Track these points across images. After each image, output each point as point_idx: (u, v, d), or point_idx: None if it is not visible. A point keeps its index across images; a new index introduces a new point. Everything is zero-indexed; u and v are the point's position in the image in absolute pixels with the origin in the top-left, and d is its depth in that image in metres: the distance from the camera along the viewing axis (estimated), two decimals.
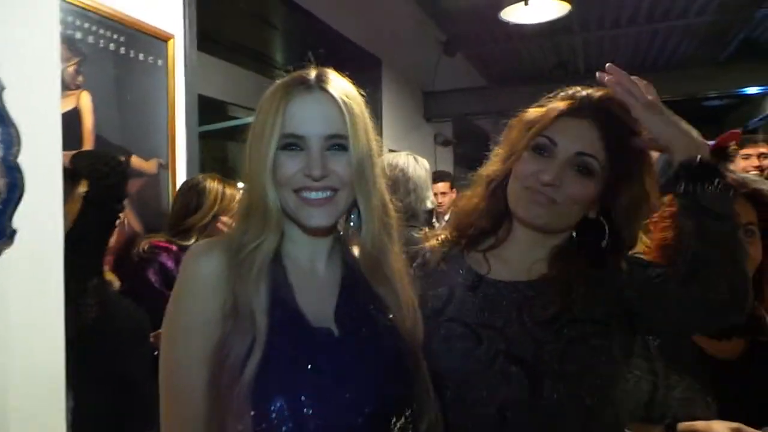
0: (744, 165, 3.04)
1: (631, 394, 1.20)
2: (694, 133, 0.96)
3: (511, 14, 3.71)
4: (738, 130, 1.95)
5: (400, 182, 2.09)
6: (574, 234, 1.04)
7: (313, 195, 0.87)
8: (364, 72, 4.15)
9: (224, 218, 1.90)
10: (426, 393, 0.91)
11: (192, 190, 1.97)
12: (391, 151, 3.59)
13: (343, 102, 0.87)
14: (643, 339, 1.20)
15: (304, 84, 0.88)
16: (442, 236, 1.12)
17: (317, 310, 0.88)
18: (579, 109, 1.00)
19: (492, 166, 1.09)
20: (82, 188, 1.43)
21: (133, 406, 1.58)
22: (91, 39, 1.85)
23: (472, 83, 6.15)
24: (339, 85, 0.89)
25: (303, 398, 0.81)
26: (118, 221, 1.52)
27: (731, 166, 3.08)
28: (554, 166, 0.98)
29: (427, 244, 1.12)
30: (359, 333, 0.88)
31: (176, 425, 0.85)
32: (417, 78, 5.19)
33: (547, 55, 6.12)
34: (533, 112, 1.06)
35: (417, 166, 2.15)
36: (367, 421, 0.83)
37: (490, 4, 3.94)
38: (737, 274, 0.91)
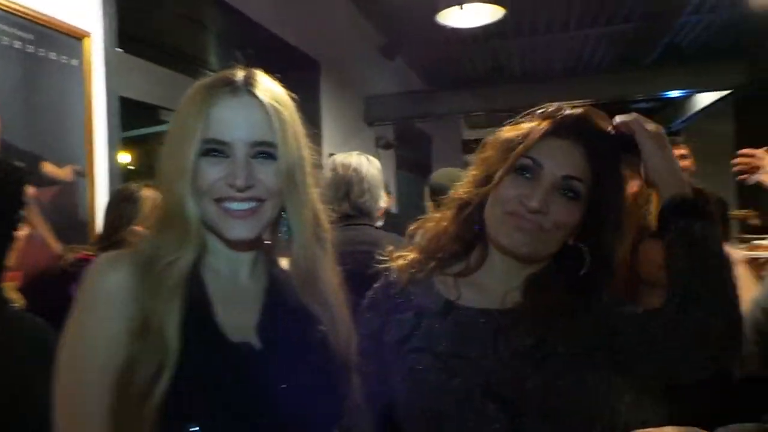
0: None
1: None
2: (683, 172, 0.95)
3: (447, 18, 3.75)
4: None
5: (354, 182, 2.04)
6: (551, 262, 0.98)
7: (236, 206, 0.81)
8: (303, 75, 4.08)
9: (137, 228, 1.78)
10: (357, 416, 0.87)
11: (126, 201, 1.84)
12: (331, 155, 3.54)
13: (272, 107, 0.81)
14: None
15: (229, 86, 0.82)
16: (410, 256, 1.03)
17: (238, 325, 0.81)
18: (562, 128, 0.95)
19: (465, 188, 1.00)
20: None
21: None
22: None
23: (412, 87, 6.19)
24: (268, 88, 0.84)
25: (219, 420, 0.75)
26: (16, 234, 1.38)
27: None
28: (540, 190, 0.92)
29: (393, 264, 1.03)
30: (284, 348, 0.82)
31: None
32: (357, 82, 5.16)
33: (484, 59, 6.25)
34: (510, 131, 0.99)
35: (369, 165, 2.12)
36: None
37: (426, 8, 3.96)
38: (731, 305, 0.87)
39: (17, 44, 1.78)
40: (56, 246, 1.83)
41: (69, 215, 1.92)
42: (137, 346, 0.74)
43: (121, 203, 1.82)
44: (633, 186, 1.21)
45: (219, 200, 0.80)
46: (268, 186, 0.81)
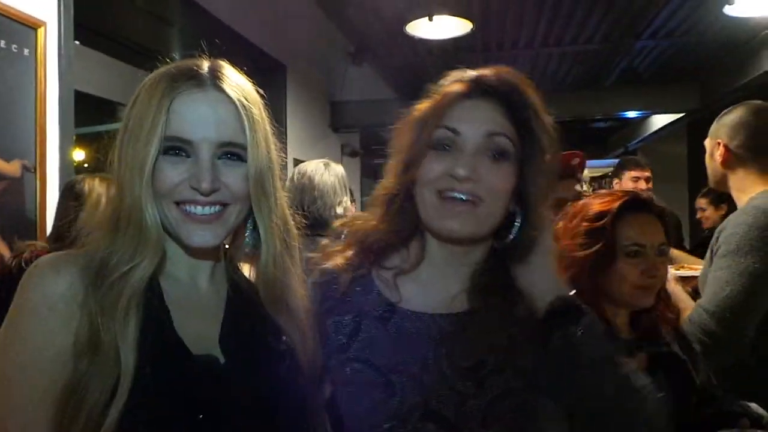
0: (633, 186, 3.29)
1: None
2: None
3: (416, 29, 3.76)
4: (580, 152, 2.10)
5: (306, 190, 2.04)
6: (494, 244, 0.90)
7: (199, 210, 0.75)
8: (268, 78, 4.02)
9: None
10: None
11: (70, 193, 1.74)
12: (297, 161, 3.49)
13: (242, 104, 0.76)
14: None
15: (195, 78, 0.76)
16: (348, 253, 0.93)
17: (199, 337, 0.76)
18: (475, 90, 0.87)
19: (388, 180, 0.92)
20: None
21: None
22: None
23: (379, 94, 6.19)
24: (236, 83, 0.78)
25: None
26: None
27: (617, 185, 3.37)
28: (465, 157, 0.83)
29: (329, 264, 0.93)
30: (248, 361, 0.78)
31: None
32: (324, 87, 5.12)
33: (451, 71, 6.31)
34: (421, 107, 0.91)
35: (326, 172, 2.10)
36: None
37: (396, 17, 3.97)
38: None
39: None
40: (2, 246, 1.72)
41: (16, 213, 1.82)
42: (86, 365, 0.68)
43: (67, 197, 1.73)
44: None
45: (180, 203, 0.75)
46: (234, 190, 0.76)
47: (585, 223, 1.24)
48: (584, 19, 4.83)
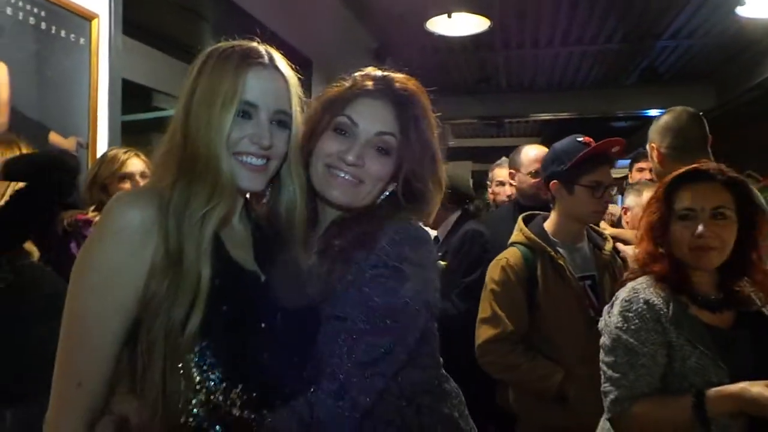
0: (639, 177, 3.45)
1: (647, 368, 1.30)
2: None
3: (436, 25, 3.93)
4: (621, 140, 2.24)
5: None
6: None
7: (254, 161, 0.94)
8: (294, 71, 4.21)
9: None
10: None
11: (104, 162, 1.99)
12: None
13: (291, 82, 0.97)
14: (651, 310, 1.30)
15: (261, 58, 0.94)
16: None
17: (243, 258, 0.95)
18: (377, 90, 1.08)
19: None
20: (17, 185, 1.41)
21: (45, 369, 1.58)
22: (9, 10, 1.83)
23: None
24: (286, 65, 0.99)
25: (243, 345, 0.88)
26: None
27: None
28: (356, 146, 1.05)
29: None
30: (278, 277, 0.97)
31: (76, 375, 0.84)
32: None
33: (472, 69, 6.46)
34: (332, 91, 1.10)
35: None
36: (294, 359, 0.93)
37: (416, 14, 4.14)
38: None
39: (32, 20, 1.91)
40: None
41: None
42: (167, 281, 0.82)
43: (98, 164, 1.97)
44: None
45: (238, 154, 0.92)
46: (278, 149, 0.96)
47: (652, 197, 1.43)
48: (603, 19, 4.92)
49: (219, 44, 0.97)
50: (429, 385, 1.11)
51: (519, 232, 1.88)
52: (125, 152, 1.99)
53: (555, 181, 1.85)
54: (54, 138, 2.00)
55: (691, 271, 1.36)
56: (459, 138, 8.83)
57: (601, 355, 1.39)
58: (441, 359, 1.19)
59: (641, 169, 3.41)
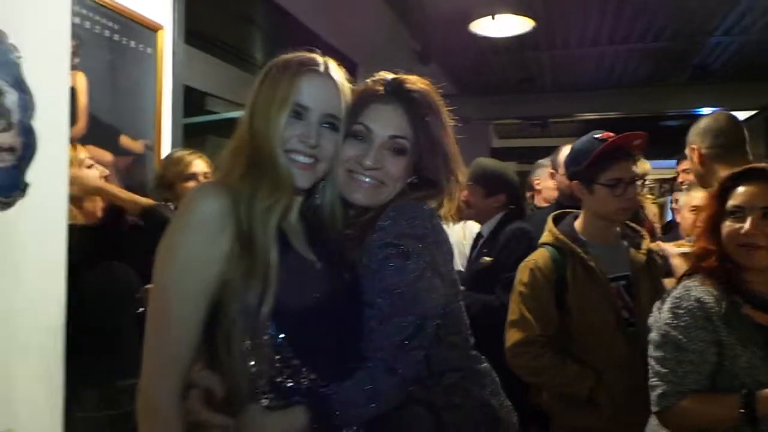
0: (683, 178, 3.41)
1: (696, 365, 1.32)
2: None
3: (480, 27, 3.96)
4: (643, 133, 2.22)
5: None
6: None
7: (301, 158, 1.03)
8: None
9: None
10: None
11: (172, 163, 2.14)
12: None
13: (342, 89, 1.06)
14: (701, 308, 1.32)
15: (316, 65, 1.04)
16: None
17: (301, 249, 1.05)
18: (387, 94, 1.14)
19: None
20: None
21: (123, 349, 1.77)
22: (87, 24, 2.00)
23: (444, 91, 6.40)
24: (340, 74, 1.08)
25: (308, 325, 0.98)
26: None
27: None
28: (373, 150, 1.11)
29: None
30: (331, 265, 1.06)
31: (171, 350, 0.93)
32: None
33: (516, 69, 6.44)
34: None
35: None
36: (352, 337, 1.03)
37: (460, 16, 4.19)
38: None
39: (106, 33, 2.08)
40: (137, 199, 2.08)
41: (140, 180, 2.22)
42: (243, 265, 0.92)
43: (164, 165, 2.12)
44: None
45: (288, 151, 1.02)
46: (326, 150, 1.05)
47: (710, 194, 1.47)
48: (652, 17, 4.83)
49: (282, 55, 1.07)
50: (458, 364, 1.17)
51: (548, 232, 1.86)
52: (189, 154, 2.14)
53: (576, 181, 1.84)
54: (124, 141, 2.17)
55: (745, 271, 1.37)
56: (502, 138, 8.80)
57: (650, 350, 1.41)
58: (472, 340, 1.24)
59: (686, 170, 3.37)
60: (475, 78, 6.52)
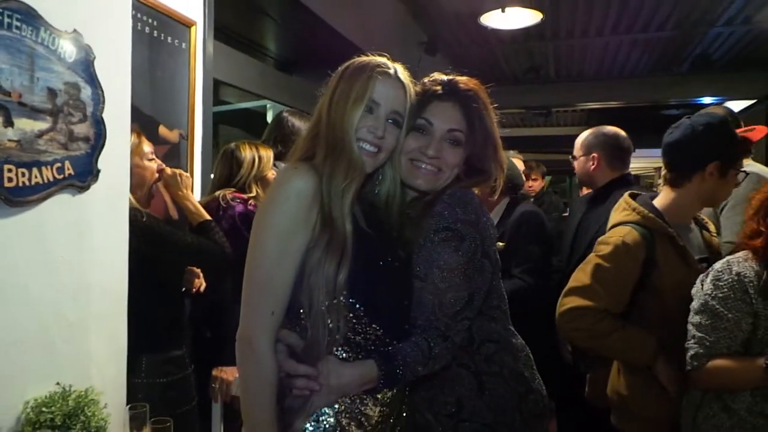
0: None
1: (729, 331, 1.44)
2: None
3: (490, 20, 4.08)
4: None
5: None
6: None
7: (368, 147, 1.17)
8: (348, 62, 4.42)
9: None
10: None
11: (230, 156, 2.26)
12: None
13: (408, 91, 1.22)
14: (740, 282, 1.43)
15: (388, 69, 1.19)
16: None
17: (362, 224, 1.19)
18: (446, 93, 1.30)
19: None
20: None
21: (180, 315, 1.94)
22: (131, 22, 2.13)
23: None
24: (407, 78, 1.23)
25: (375, 288, 1.13)
26: None
27: None
28: (434, 142, 1.28)
29: None
30: (389, 239, 1.22)
31: (270, 305, 1.07)
32: None
33: (521, 60, 6.55)
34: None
35: None
36: (407, 301, 1.18)
37: (469, 9, 4.30)
38: None
39: (147, 29, 2.21)
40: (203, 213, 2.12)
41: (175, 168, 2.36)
42: (325, 236, 1.07)
43: (227, 160, 2.27)
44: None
45: (358, 140, 1.16)
46: (388, 142, 1.20)
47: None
48: (656, 7, 4.93)
49: (358, 58, 1.23)
50: (497, 336, 1.32)
51: (631, 211, 1.78)
52: (267, 149, 2.30)
53: (716, 162, 1.73)
54: (162, 131, 2.31)
55: None
56: (506, 128, 8.90)
57: (690, 316, 1.54)
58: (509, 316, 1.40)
59: None
60: (480, 68, 6.63)
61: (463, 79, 1.34)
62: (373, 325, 1.12)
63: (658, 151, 1.83)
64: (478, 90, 1.33)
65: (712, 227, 1.89)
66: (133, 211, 1.75)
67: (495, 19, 4.06)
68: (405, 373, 1.12)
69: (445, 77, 1.34)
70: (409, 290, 1.20)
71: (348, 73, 1.19)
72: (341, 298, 1.08)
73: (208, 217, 1.98)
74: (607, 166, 2.53)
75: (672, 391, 1.63)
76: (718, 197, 1.82)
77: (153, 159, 1.96)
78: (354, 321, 1.10)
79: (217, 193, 2.19)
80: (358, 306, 1.10)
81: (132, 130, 1.93)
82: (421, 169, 1.29)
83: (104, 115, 1.46)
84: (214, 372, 2.06)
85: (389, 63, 1.22)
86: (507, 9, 3.88)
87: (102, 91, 1.45)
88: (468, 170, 1.32)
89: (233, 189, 2.21)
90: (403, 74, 1.22)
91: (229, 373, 2.06)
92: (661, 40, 5.80)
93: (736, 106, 6.83)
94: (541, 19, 4.07)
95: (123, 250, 1.55)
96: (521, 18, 4.08)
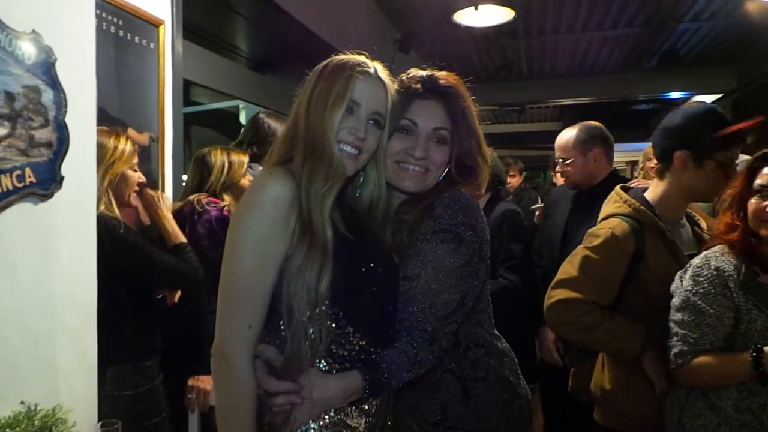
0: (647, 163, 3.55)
1: (712, 327, 1.42)
2: None
3: (463, 17, 4.08)
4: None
5: None
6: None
7: (348, 149, 1.13)
8: (319, 60, 4.36)
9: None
10: None
11: (201, 162, 2.23)
12: None
13: (389, 91, 1.18)
14: (720, 276, 1.42)
15: (368, 68, 1.14)
16: None
17: (341, 229, 1.14)
18: (427, 91, 1.27)
19: None
20: None
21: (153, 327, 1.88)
22: (96, 21, 2.05)
23: None
24: (387, 77, 1.19)
25: (358, 296, 1.09)
26: None
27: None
28: (420, 142, 1.25)
29: None
30: (371, 243, 1.18)
31: (248, 318, 1.03)
32: None
33: (494, 58, 6.58)
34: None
35: None
36: (393, 306, 1.14)
37: (441, 6, 4.29)
38: None
39: (112, 29, 2.13)
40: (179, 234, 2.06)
41: (146, 173, 2.26)
42: (304, 245, 1.02)
43: (198, 166, 2.23)
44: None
45: (338, 142, 1.11)
46: (369, 144, 1.16)
47: (741, 173, 1.54)
48: (625, 4, 5.00)
49: (336, 56, 1.18)
50: (482, 340, 1.30)
51: (622, 203, 1.75)
52: (244, 154, 2.25)
53: (684, 151, 1.69)
54: (132, 133, 2.23)
55: (765, 244, 1.46)
56: (480, 124, 8.94)
57: (670, 314, 1.52)
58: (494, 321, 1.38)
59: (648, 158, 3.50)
60: (454, 66, 6.61)
61: (442, 75, 1.30)
62: (357, 335, 1.08)
63: (629, 146, 1.88)
64: (459, 85, 1.30)
65: (703, 224, 1.86)
66: (111, 221, 1.72)
67: (468, 17, 4.06)
68: (391, 381, 1.09)
69: (424, 73, 1.30)
70: (394, 296, 1.17)
71: (327, 72, 1.14)
72: (323, 308, 1.04)
73: (184, 240, 1.94)
74: (606, 161, 2.48)
75: (659, 388, 1.61)
76: (699, 190, 1.74)
77: (136, 170, 1.91)
78: (337, 331, 1.07)
79: (191, 197, 2.13)
80: (341, 315, 1.06)
81: (119, 135, 1.89)
82: (408, 171, 1.26)
83: (67, 120, 1.39)
84: (190, 381, 2.00)
85: (369, 62, 1.17)
86: (480, 6, 3.88)
87: (65, 94, 1.38)
88: (458, 168, 1.30)
89: (206, 194, 2.15)
90: (383, 73, 1.18)
91: (206, 382, 2.01)
92: (630, 36, 5.89)
93: (703, 100, 6.99)
94: (514, 16, 4.09)
95: (91, 259, 1.49)
96: (494, 15, 4.09)
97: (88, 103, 1.49)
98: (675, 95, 6.91)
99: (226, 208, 2.13)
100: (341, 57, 1.17)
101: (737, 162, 2.20)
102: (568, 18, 5.37)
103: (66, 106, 1.38)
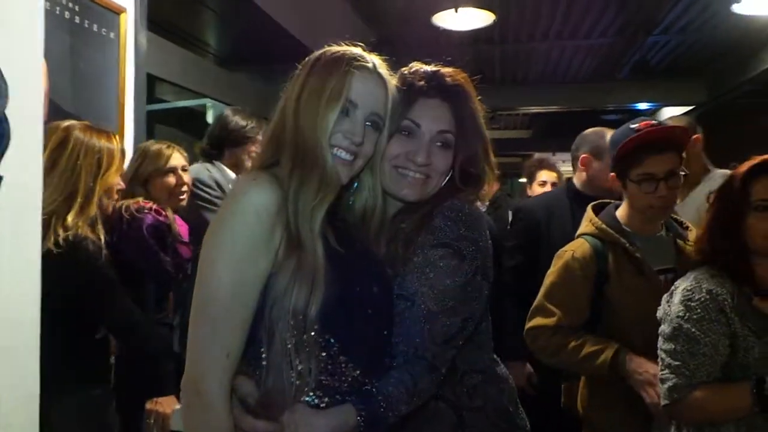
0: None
1: (708, 356, 1.30)
2: None
3: (442, 20, 3.99)
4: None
5: None
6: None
7: (343, 155, 0.98)
8: (291, 60, 4.23)
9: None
10: None
11: (143, 157, 2.06)
12: None
13: (389, 90, 1.03)
14: (714, 300, 1.31)
15: (366, 63, 1.00)
16: None
17: (333, 244, 0.99)
18: (432, 89, 1.13)
19: None
20: None
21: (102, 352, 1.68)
22: (47, 5, 1.85)
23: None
24: (387, 72, 1.04)
25: (351, 321, 0.95)
26: None
27: None
28: (423, 146, 1.11)
29: None
30: (367, 262, 1.04)
31: (226, 345, 0.89)
32: None
33: (468, 63, 6.52)
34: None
35: None
36: (389, 330, 1.01)
37: (420, 8, 4.19)
38: None
39: (66, 14, 1.94)
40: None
41: None
42: (293, 262, 0.89)
43: (140, 159, 2.05)
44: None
45: (332, 146, 0.97)
46: (366, 149, 1.01)
47: (723, 188, 1.42)
48: (599, 14, 5.02)
49: (329, 47, 1.03)
50: (482, 366, 1.18)
51: (588, 222, 1.72)
52: (167, 147, 2.03)
53: (612, 173, 1.69)
54: None
55: (755, 264, 1.36)
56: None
57: (660, 343, 1.39)
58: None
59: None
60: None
61: (449, 72, 1.16)
62: (350, 365, 0.94)
63: None
64: (466, 84, 1.17)
65: (692, 236, 1.75)
66: (93, 245, 1.57)
67: (448, 20, 3.97)
68: (388, 414, 0.95)
69: (429, 69, 1.16)
70: (389, 318, 1.03)
71: (319, 66, 0.99)
72: (312, 334, 0.90)
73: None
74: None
75: (653, 403, 1.47)
76: (640, 208, 1.65)
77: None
78: (328, 361, 0.92)
79: (117, 204, 1.91)
80: (332, 341, 0.92)
81: (111, 135, 1.72)
82: (407, 178, 1.12)
83: (8, 112, 1.21)
84: (148, 405, 1.81)
85: (366, 55, 1.02)
86: (460, 9, 3.80)
87: (5, 84, 1.19)
88: (461, 175, 1.16)
89: (141, 198, 1.98)
90: (382, 68, 1.03)
91: (165, 405, 1.82)
92: (603, 46, 5.94)
93: (673, 112, 7.12)
94: (494, 20, 4.02)
95: (33, 274, 1.30)
96: (474, 19, 4.02)
97: (34, 95, 1.30)
98: (644, 106, 7.01)
99: (163, 213, 1.98)
100: (335, 49, 1.02)
101: (710, 176, 2.14)
102: (545, 26, 5.37)
103: (6, 97, 1.20)
